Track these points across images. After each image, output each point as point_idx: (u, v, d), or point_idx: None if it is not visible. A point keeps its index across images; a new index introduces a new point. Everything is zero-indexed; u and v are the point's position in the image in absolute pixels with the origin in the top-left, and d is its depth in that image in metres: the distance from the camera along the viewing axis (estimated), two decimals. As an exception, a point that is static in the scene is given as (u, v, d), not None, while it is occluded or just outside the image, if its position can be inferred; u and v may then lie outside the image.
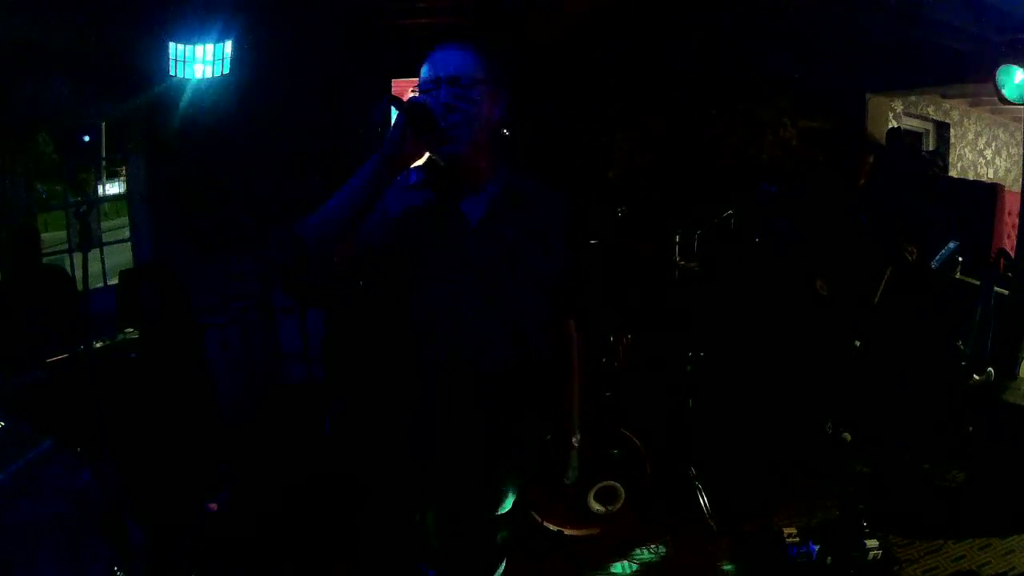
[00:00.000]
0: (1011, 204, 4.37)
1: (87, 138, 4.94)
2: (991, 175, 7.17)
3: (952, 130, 6.54)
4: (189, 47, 3.76)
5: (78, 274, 3.67)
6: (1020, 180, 5.71)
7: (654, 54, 4.71)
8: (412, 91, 1.62)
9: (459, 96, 1.48)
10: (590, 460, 3.11)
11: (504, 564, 1.76)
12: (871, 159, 3.79)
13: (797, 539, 2.89)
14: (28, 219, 4.41)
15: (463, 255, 1.51)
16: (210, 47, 3.78)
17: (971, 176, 6.76)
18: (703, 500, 3.20)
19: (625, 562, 3.00)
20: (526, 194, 1.62)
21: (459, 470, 1.57)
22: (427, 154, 1.55)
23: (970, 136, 6.86)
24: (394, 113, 1.40)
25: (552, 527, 3.07)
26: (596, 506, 3.09)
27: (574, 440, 1.83)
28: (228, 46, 3.84)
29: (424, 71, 1.53)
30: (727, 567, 2.92)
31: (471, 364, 1.52)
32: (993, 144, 7.21)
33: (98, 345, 3.76)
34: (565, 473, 1.82)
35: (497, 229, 1.54)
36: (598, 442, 3.11)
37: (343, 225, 1.39)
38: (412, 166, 1.51)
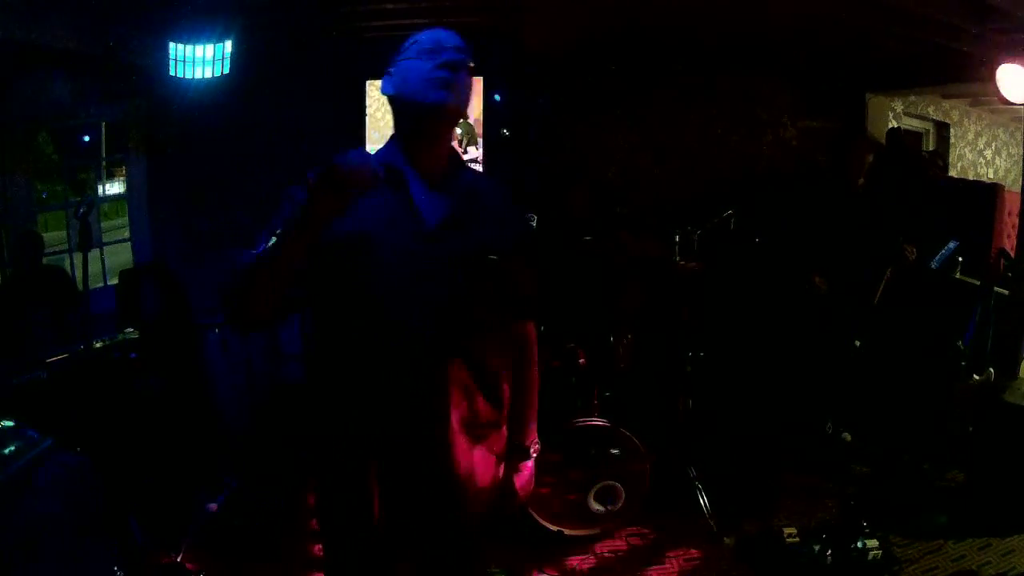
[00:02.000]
0: (1011, 204, 4.37)
1: (87, 138, 4.95)
2: (991, 175, 7.17)
3: (952, 130, 6.54)
4: (189, 47, 3.76)
5: (78, 274, 3.68)
6: (1020, 180, 5.71)
7: (654, 53, 4.71)
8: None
9: (459, 66, 1.48)
10: (590, 460, 3.12)
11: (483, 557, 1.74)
12: (871, 159, 3.79)
13: (797, 539, 2.90)
14: (29, 220, 4.41)
15: (415, 258, 1.48)
16: (210, 47, 3.78)
17: (971, 176, 6.76)
18: (703, 500, 3.20)
19: (625, 562, 3.00)
20: (482, 195, 1.60)
21: (416, 462, 1.54)
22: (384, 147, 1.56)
23: (970, 136, 6.86)
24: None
25: (552, 527, 3.07)
26: (596, 506, 3.09)
27: (532, 451, 1.76)
28: (228, 46, 3.84)
29: (416, 45, 1.51)
30: (727, 567, 2.92)
31: (420, 362, 1.49)
32: (993, 144, 7.21)
33: (98, 345, 3.76)
34: (521, 486, 1.73)
35: (453, 232, 1.51)
36: (598, 442, 3.11)
37: (262, 285, 1.39)
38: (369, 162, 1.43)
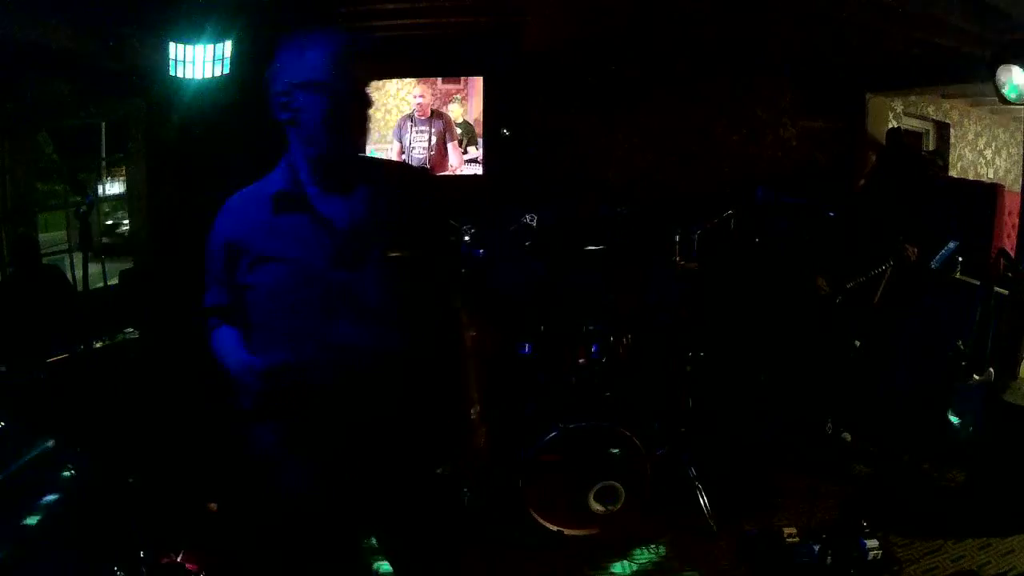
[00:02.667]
0: (1011, 204, 4.37)
1: (87, 138, 4.95)
2: (991, 175, 7.17)
3: (952, 130, 6.55)
4: (189, 47, 3.76)
5: (78, 274, 3.68)
6: (1020, 180, 5.71)
7: (654, 53, 4.71)
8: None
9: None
10: (590, 460, 3.12)
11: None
12: (872, 159, 3.79)
13: (797, 539, 2.89)
14: (29, 220, 4.41)
15: (328, 262, 1.51)
16: (210, 47, 3.78)
17: (971, 176, 6.76)
18: (703, 500, 3.20)
19: (625, 562, 2.99)
20: (381, 181, 1.62)
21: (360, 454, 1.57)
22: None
23: (970, 136, 6.87)
24: None
25: (552, 527, 3.06)
26: (596, 506, 3.09)
27: (472, 412, 1.76)
28: (228, 46, 3.84)
29: (313, 71, 1.50)
30: (727, 567, 2.92)
31: (356, 365, 1.52)
32: (993, 144, 7.21)
33: (98, 345, 3.76)
34: (470, 449, 1.77)
35: (363, 229, 1.54)
36: (598, 442, 3.11)
37: None
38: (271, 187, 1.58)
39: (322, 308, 1.51)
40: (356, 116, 1.55)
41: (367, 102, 1.55)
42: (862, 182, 3.82)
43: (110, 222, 7.67)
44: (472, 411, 1.78)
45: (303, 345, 1.50)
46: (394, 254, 1.55)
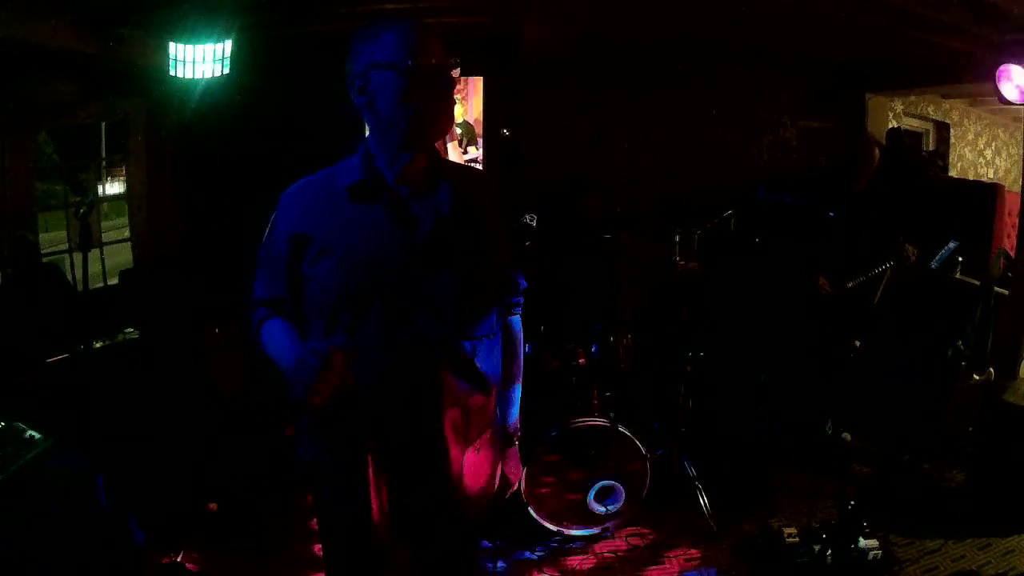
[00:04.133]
0: (1011, 204, 4.37)
1: (87, 138, 4.95)
2: (991, 175, 7.16)
3: (952, 130, 6.54)
4: (189, 47, 3.75)
5: (78, 274, 3.68)
6: (1020, 180, 5.71)
7: (654, 53, 4.71)
8: None
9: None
10: (590, 460, 3.12)
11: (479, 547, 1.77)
12: (876, 162, 3.79)
13: (797, 539, 2.90)
14: (28, 220, 4.41)
15: (407, 269, 1.47)
16: (210, 47, 3.78)
17: (971, 176, 6.75)
18: (703, 500, 3.20)
19: (625, 562, 3.00)
20: (467, 192, 1.56)
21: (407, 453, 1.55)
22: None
23: (970, 136, 6.86)
24: None
25: (552, 527, 3.07)
26: (596, 506, 3.09)
27: (515, 438, 1.77)
28: (228, 46, 3.83)
29: (388, 51, 1.42)
30: (727, 567, 2.92)
31: (417, 364, 1.49)
32: (993, 144, 7.20)
33: (98, 345, 3.76)
34: (510, 472, 1.77)
35: (444, 239, 1.49)
36: (598, 442, 3.11)
37: None
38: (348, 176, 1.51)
39: (389, 306, 1.46)
40: (432, 97, 1.44)
41: (445, 83, 1.45)
42: (864, 181, 3.81)
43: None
44: (516, 435, 1.78)
45: (365, 342, 1.45)
46: (471, 261, 1.51)
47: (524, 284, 1.72)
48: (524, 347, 1.78)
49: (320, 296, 1.49)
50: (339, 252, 1.47)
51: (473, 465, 1.61)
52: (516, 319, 1.73)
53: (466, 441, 1.59)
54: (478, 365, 1.55)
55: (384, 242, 1.46)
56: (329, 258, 1.47)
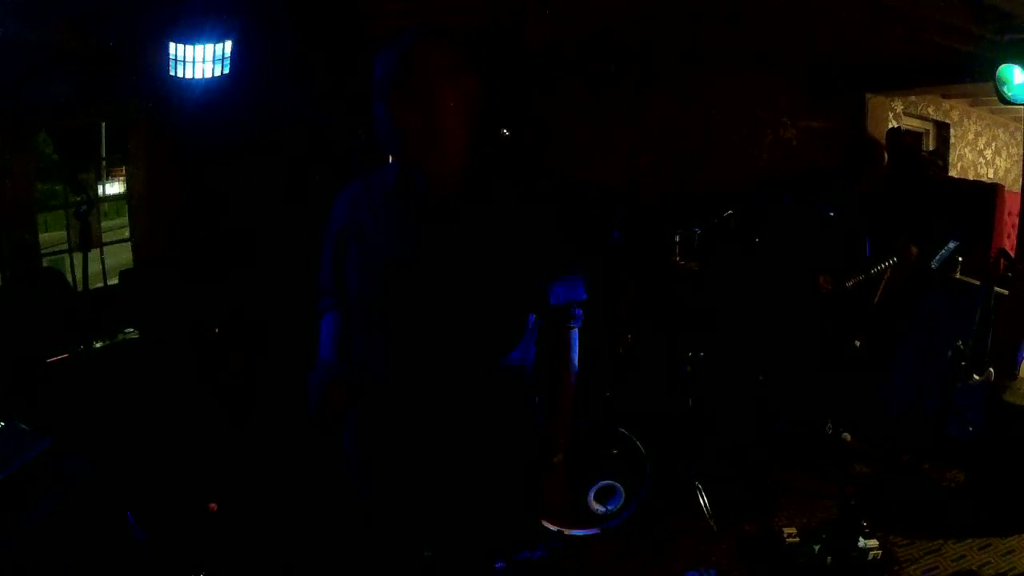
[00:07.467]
0: (1011, 204, 4.37)
1: (87, 138, 4.95)
2: (991, 175, 7.17)
3: (952, 130, 6.54)
4: (189, 47, 3.76)
5: (78, 274, 3.67)
6: (1020, 180, 5.71)
7: (655, 53, 4.71)
8: None
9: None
10: (590, 460, 3.12)
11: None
12: (885, 165, 3.78)
13: (797, 539, 2.89)
14: (28, 221, 4.41)
15: (434, 267, 1.46)
16: (210, 47, 3.78)
17: (971, 176, 6.75)
18: (703, 500, 3.20)
19: (625, 562, 2.99)
20: (503, 195, 1.53)
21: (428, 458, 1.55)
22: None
23: (970, 136, 6.86)
24: None
25: (552, 527, 3.06)
26: (596, 506, 3.09)
27: (555, 460, 1.58)
28: (228, 46, 3.83)
29: (376, 79, 1.41)
30: (727, 567, 2.92)
31: (445, 372, 1.49)
32: (993, 144, 7.20)
33: (98, 345, 3.76)
34: (543, 497, 1.62)
35: (473, 239, 1.47)
36: (598, 442, 3.11)
37: None
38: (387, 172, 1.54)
39: (416, 309, 1.46)
40: (415, 122, 1.38)
41: (436, 102, 1.39)
42: (869, 183, 3.81)
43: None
44: (556, 457, 1.59)
45: (396, 340, 1.48)
46: (493, 269, 1.47)
47: (583, 296, 1.63)
48: (573, 364, 1.63)
49: (356, 291, 1.55)
50: (372, 251, 1.51)
51: (495, 476, 1.60)
52: (570, 334, 1.62)
53: (482, 451, 1.57)
54: (499, 374, 1.54)
55: (410, 247, 1.48)
56: (365, 256, 1.52)
